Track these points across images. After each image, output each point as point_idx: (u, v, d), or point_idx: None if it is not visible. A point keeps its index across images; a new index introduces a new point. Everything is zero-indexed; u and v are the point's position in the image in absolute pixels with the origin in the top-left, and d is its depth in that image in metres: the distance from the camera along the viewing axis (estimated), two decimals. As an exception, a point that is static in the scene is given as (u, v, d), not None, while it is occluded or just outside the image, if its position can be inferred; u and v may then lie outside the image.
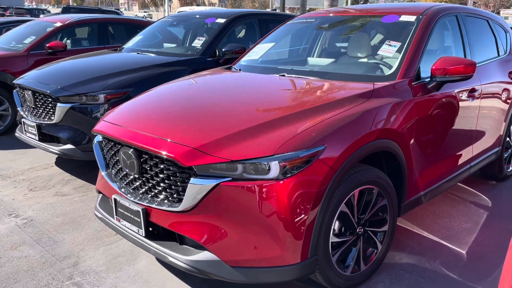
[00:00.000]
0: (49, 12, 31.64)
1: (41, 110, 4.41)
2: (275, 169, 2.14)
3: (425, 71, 3.04)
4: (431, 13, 3.35)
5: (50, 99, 4.28)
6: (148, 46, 5.59)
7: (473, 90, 3.48)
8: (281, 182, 2.16)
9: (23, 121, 4.62)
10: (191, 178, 2.21)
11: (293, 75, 3.24)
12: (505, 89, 4.03)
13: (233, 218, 2.21)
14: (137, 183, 2.51)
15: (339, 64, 3.51)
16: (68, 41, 7.03)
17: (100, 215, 2.85)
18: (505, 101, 4.05)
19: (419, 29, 3.18)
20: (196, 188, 2.19)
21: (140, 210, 2.42)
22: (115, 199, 2.62)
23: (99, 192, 3.00)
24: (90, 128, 4.14)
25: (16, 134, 4.84)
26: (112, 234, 3.31)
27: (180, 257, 2.29)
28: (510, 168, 4.56)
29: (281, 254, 2.22)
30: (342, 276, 2.52)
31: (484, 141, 3.82)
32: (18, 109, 4.78)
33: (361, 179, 2.47)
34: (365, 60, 3.37)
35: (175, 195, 2.33)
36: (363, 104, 2.59)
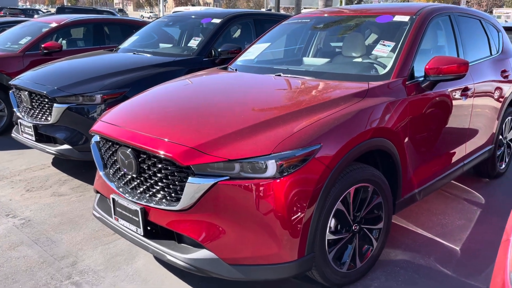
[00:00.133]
0: (43, 12, 31.49)
1: (37, 111, 4.42)
2: (272, 168, 2.18)
3: (419, 71, 3.09)
4: (424, 13, 3.40)
5: (46, 100, 4.29)
6: (144, 47, 5.61)
7: (466, 89, 3.53)
8: (278, 180, 2.19)
9: (20, 122, 4.62)
10: (189, 177, 2.24)
11: (289, 75, 3.27)
12: (498, 88, 4.09)
13: (230, 216, 2.24)
14: (135, 183, 2.54)
15: (334, 64, 3.55)
16: (64, 41, 7.03)
17: (98, 215, 2.87)
18: (497, 100, 4.10)
19: (412, 29, 3.23)
20: (194, 187, 2.22)
21: (138, 209, 2.44)
22: (113, 199, 2.64)
23: (97, 192, 3.02)
24: (87, 129, 4.18)
25: (12, 134, 4.85)
26: (110, 233, 3.33)
27: (179, 256, 2.31)
28: (503, 166, 4.62)
29: (278, 251, 2.25)
30: (338, 273, 2.55)
31: (477, 139, 3.88)
32: (15, 109, 4.78)
33: (356, 177, 2.51)
34: (360, 59, 3.41)
35: (173, 194, 2.36)
36: (358, 103, 2.63)
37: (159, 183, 2.40)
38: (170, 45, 5.79)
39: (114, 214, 2.67)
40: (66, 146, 4.25)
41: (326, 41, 4.02)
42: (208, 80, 3.57)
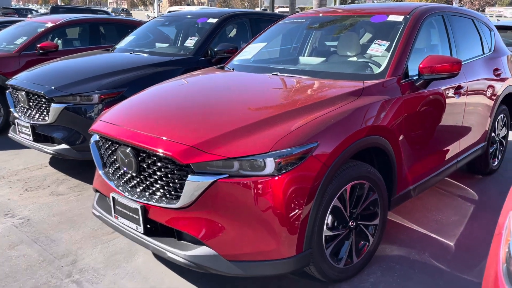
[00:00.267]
0: (37, 12, 31.29)
1: (35, 111, 4.43)
2: (270, 165, 2.22)
3: (413, 69, 3.14)
4: (418, 12, 3.45)
5: (44, 100, 4.31)
6: (141, 46, 5.63)
7: (459, 87, 3.59)
8: (276, 178, 2.24)
9: (17, 122, 4.63)
10: (189, 176, 2.27)
11: (286, 74, 3.32)
12: (490, 86, 4.15)
13: (230, 213, 2.28)
14: (135, 181, 2.57)
15: (330, 63, 3.60)
16: (59, 41, 7.03)
17: (98, 213, 2.91)
18: (490, 98, 4.17)
19: (406, 29, 3.28)
20: (194, 185, 2.26)
21: (138, 207, 2.48)
22: (113, 197, 2.67)
23: (96, 191, 3.05)
24: (84, 128, 4.21)
25: (9, 135, 4.86)
26: (109, 232, 3.36)
27: (179, 253, 2.35)
28: (496, 163, 4.69)
29: (277, 247, 2.29)
30: (335, 268, 2.60)
31: (470, 137, 3.94)
32: (11, 110, 4.79)
33: (353, 174, 2.56)
34: (355, 59, 3.46)
35: (173, 192, 2.39)
36: (354, 102, 2.68)
37: (159, 182, 2.44)
38: (167, 45, 5.82)
39: (114, 213, 2.70)
40: (63, 146, 4.27)
41: (321, 40, 4.07)
42: (205, 79, 3.61)
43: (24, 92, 4.48)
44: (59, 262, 2.96)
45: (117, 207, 2.67)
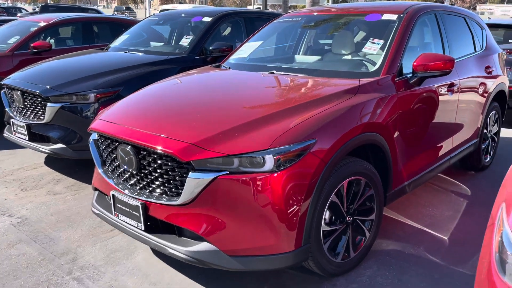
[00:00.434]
0: (26, 11, 31.02)
1: (30, 110, 4.43)
2: (269, 162, 2.26)
3: (407, 67, 3.20)
4: (411, 11, 3.51)
5: (39, 99, 4.31)
6: (135, 45, 5.64)
7: (452, 85, 3.65)
8: (275, 175, 2.28)
9: (12, 122, 4.63)
10: (190, 173, 2.31)
11: (282, 73, 3.36)
12: (482, 83, 4.23)
13: (230, 209, 2.32)
14: (135, 179, 2.60)
15: (326, 62, 3.65)
16: (52, 40, 7.00)
17: (97, 211, 2.93)
18: (482, 95, 4.25)
19: (400, 27, 3.34)
20: (195, 182, 2.30)
21: (139, 204, 2.51)
22: (113, 195, 2.70)
23: (95, 189, 3.07)
24: (80, 127, 4.23)
25: (4, 134, 4.85)
26: (107, 230, 3.38)
27: (180, 249, 2.39)
28: (488, 159, 4.77)
29: (276, 243, 2.34)
30: (333, 263, 2.65)
31: (463, 133, 4.01)
32: (6, 109, 4.78)
33: (349, 170, 2.61)
34: (350, 57, 3.51)
35: (173, 189, 2.43)
36: (351, 99, 2.73)
37: (160, 179, 2.47)
38: (161, 44, 5.83)
39: (114, 210, 2.72)
40: (60, 145, 4.27)
41: (317, 39, 4.12)
42: (203, 78, 3.64)
43: (19, 91, 4.47)
44: (59, 260, 2.98)
45: (117, 204, 2.69)
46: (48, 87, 4.27)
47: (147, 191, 2.55)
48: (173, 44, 5.69)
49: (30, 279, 2.76)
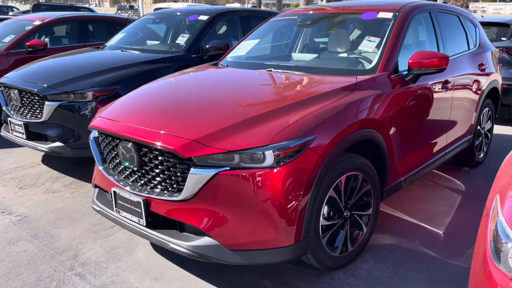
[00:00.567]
0: (18, 9, 30.76)
1: (28, 109, 4.44)
2: (270, 158, 2.30)
3: (403, 65, 3.26)
4: (406, 10, 3.57)
5: (37, 98, 4.32)
6: (131, 44, 5.66)
7: (446, 82, 3.72)
8: (275, 170, 2.32)
9: (9, 120, 4.63)
10: (191, 169, 2.35)
11: (280, 70, 3.40)
12: (476, 81, 4.30)
13: (231, 204, 2.36)
14: (136, 175, 2.63)
15: (323, 59, 3.69)
16: (47, 39, 6.99)
17: (98, 208, 2.96)
18: (475, 92, 4.32)
19: (396, 25, 3.39)
20: (196, 178, 2.34)
21: (141, 200, 2.54)
22: (114, 192, 2.73)
23: (96, 187, 3.10)
24: (78, 126, 4.25)
25: (1, 133, 4.85)
26: (107, 227, 3.41)
27: (182, 243, 2.43)
28: (481, 155, 4.85)
29: (277, 237, 2.38)
30: (332, 257, 2.70)
31: (457, 130, 4.08)
32: (3, 108, 4.79)
33: (347, 166, 2.66)
34: (347, 55, 3.56)
35: (174, 185, 2.46)
36: (348, 96, 2.78)
37: (161, 175, 2.50)
38: (158, 42, 5.85)
39: (116, 207, 2.76)
40: (58, 144, 4.29)
41: (314, 37, 4.16)
42: (201, 76, 3.67)
43: (16, 90, 4.48)
44: (60, 256, 3.01)
45: (118, 201, 2.73)
46: (46, 85, 4.28)
47: (149, 187, 2.58)
48: (169, 42, 5.71)
49: (33, 275, 2.79)
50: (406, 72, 3.24)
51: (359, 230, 2.91)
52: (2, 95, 4.80)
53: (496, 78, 4.79)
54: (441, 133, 3.82)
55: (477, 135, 4.62)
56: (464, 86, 4.10)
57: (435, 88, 3.56)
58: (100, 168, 2.91)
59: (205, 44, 5.17)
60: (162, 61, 4.89)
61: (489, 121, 4.92)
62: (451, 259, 2.97)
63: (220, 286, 2.68)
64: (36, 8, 20.06)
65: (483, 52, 4.65)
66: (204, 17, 5.48)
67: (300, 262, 2.76)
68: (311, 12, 4.24)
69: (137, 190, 2.61)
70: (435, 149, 3.77)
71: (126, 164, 2.64)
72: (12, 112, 4.64)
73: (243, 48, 4.12)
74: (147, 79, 4.02)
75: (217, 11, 5.64)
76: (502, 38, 6.93)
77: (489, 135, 5.02)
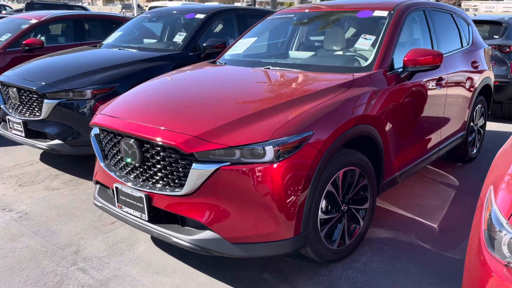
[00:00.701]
0: (11, 8, 30.54)
1: (26, 107, 4.47)
2: (270, 153, 2.36)
3: (398, 62, 3.33)
4: (401, 8, 3.64)
5: (36, 96, 4.35)
6: (129, 42, 5.69)
7: (440, 79, 3.79)
8: (275, 165, 2.38)
9: (8, 119, 4.65)
10: (193, 164, 2.40)
11: (278, 68, 3.46)
12: (469, 78, 4.38)
13: (232, 199, 2.42)
14: (139, 171, 2.68)
15: (320, 57, 3.76)
16: (42, 38, 7.00)
17: (100, 204, 3.00)
18: (468, 89, 4.40)
19: (391, 23, 3.46)
20: (198, 173, 2.39)
21: (143, 196, 2.59)
22: (116, 188, 2.77)
23: (97, 183, 3.14)
24: (77, 123, 4.29)
25: (-1, 131, 4.87)
26: (108, 223, 3.46)
27: (184, 237, 2.48)
28: (474, 151, 4.94)
29: (277, 230, 2.44)
30: (330, 250, 2.77)
31: (451, 126, 4.16)
32: (1, 106, 4.80)
33: (345, 161, 2.73)
34: (344, 52, 3.63)
35: (176, 180, 2.52)
36: (345, 93, 2.85)
37: (163, 171, 2.55)
38: (155, 41, 5.89)
39: (118, 202, 2.80)
40: (57, 141, 4.32)
41: (311, 35, 4.23)
42: (200, 73, 3.72)
43: (15, 88, 4.50)
44: (63, 252, 3.05)
45: (120, 196, 2.77)
46: (45, 83, 4.31)
47: (150, 182, 2.63)
48: (166, 41, 5.75)
49: (36, 270, 2.83)
50: (401, 70, 3.31)
51: (356, 224, 2.98)
52: (1, 94, 4.82)
53: (488, 75, 4.88)
54: (435, 129, 3.89)
55: (470, 132, 4.71)
56: (458, 83, 4.18)
57: (429, 85, 3.64)
58: (102, 164, 2.95)
59: (202, 42, 5.21)
60: (160, 59, 4.93)
61: (482, 118, 5.01)
62: (446, 252, 3.04)
63: (220, 279, 2.74)
64: (30, 6, 19.93)
65: (476, 49, 4.74)
66: (201, 16, 5.52)
67: (299, 255, 2.82)
68: (307, 10, 4.30)
69: (139, 185, 2.66)
70: (430, 145, 3.85)
71: (128, 160, 2.69)
72: (10, 110, 4.66)
73: (241, 46, 4.17)
74: (145, 77, 4.07)
75: (213, 9, 5.68)
76: (495, 36, 7.04)
77: (482, 132, 5.11)
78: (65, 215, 3.62)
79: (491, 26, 7.27)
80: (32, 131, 4.48)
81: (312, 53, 3.87)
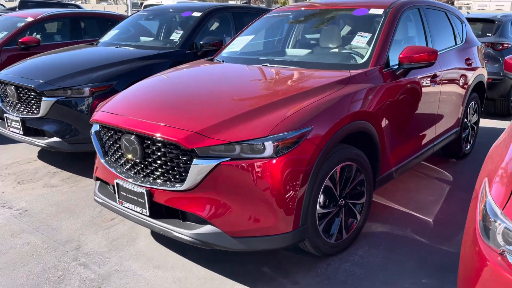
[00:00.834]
0: (4, 6, 30.33)
1: (25, 105, 4.48)
2: (269, 148, 2.41)
3: (393, 60, 3.38)
4: (396, 6, 3.69)
5: (34, 94, 4.36)
6: (125, 40, 5.71)
7: (435, 76, 3.85)
8: (274, 161, 2.43)
9: (6, 116, 4.66)
10: (194, 159, 2.44)
11: (276, 65, 3.51)
12: (462, 75, 4.45)
13: (232, 194, 2.47)
14: (139, 167, 2.72)
15: (317, 54, 3.81)
16: (38, 36, 7.00)
17: (100, 200, 3.03)
18: (462, 86, 4.47)
19: (387, 21, 3.52)
20: (198, 168, 2.43)
21: (144, 191, 2.63)
22: (117, 183, 2.81)
23: (97, 179, 3.17)
24: (75, 121, 4.31)
25: (-3, 129, 4.88)
26: (108, 219, 3.49)
27: (185, 232, 2.52)
28: (468, 147, 5.01)
29: (276, 224, 2.49)
30: (327, 243, 2.82)
31: (445, 122, 4.23)
32: (-1, 104, 4.81)
33: (342, 156, 2.78)
34: (340, 50, 3.68)
35: (177, 176, 2.56)
36: (342, 89, 2.90)
37: (164, 166, 2.59)
38: (151, 39, 5.91)
39: (119, 198, 2.84)
40: (55, 139, 4.34)
41: (308, 33, 4.27)
42: (199, 70, 3.76)
43: (13, 86, 4.52)
44: (64, 247, 3.08)
45: (121, 192, 2.81)
46: (43, 81, 4.33)
47: (151, 178, 2.67)
48: (163, 39, 5.77)
49: (38, 265, 2.86)
50: (397, 67, 3.36)
51: (353, 218, 3.04)
52: (-2, 92, 4.82)
53: (482, 72, 4.96)
54: (430, 125, 3.96)
55: (464, 128, 4.78)
56: (452, 80, 4.24)
57: (424, 82, 3.70)
58: (102, 161, 2.98)
59: (199, 40, 5.25)
60: (157, 57, 4.95)
61: (475, 114, 5.08)
62: (441, 245, 3.11)
63: (220, 273, 2.78)
64: (23, 5, 19.79)
65: (469, 47, 4.81)
66: (197, 14, 5.55)
67: (297, 249, 2.87)
68: (303, 8, 4.34)
69: (140, 181, 2.70)
70: (424, 140, 3.91)
71: (129, 156, 2.72)
72: (8, 108, 4.68)
73: (238, 44, 4.21)
74: (142, 75, 4.10)
75: (210, 8, 5.72)
76: (488, 34, 7.12)
77: (475, 128, 5.18)
78: (65, 211, 3.65)
79: (484, 24, 7.35)
80: (30, 129, 4.49)
81: (309, 50, 3.92)
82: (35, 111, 4.39)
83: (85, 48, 5.55)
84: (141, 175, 2.72)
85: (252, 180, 2.43)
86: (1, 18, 7.31)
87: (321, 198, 2.71)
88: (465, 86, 4.54)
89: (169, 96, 3.13)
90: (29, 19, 6.77)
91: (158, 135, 2.52)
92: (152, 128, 2.58)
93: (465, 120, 4.79)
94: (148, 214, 2.67)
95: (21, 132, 4.51)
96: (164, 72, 3.79)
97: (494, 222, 1.52)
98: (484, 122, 6.46)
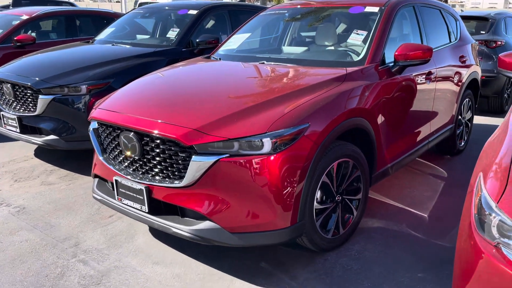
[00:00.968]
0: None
1: (21, 103, 4.48)
2: (267, 145, 2.44)
3: (389, 57, 3.42)
4: (392, 4, 3.73)
5: (30, 92, 4.36)
6: (121, 38, 5.71)
7: (429, 73, 3.90)
8: (272, 157, 2.46)
9: (2, 114, 4.66)
10: (193, 156, 2.46)
11: (273, 63, 3.53)
12: (457, 72, 4.50)
13: (231, 190, 2.49)
14: (138, 164, 2.74)
15: (313, 52, 3.84)
16: (33, 34, 6.97)
17: (99, 197, 3.05)
18: (456, 83, 4.51)
19: (382, 19, 3.55)
20: (197, 165, 2.46)
21: (143, 188, 2.65)
22: (116, 180, 2.83)
23: (95, 177, 3.19)
24: (72, 119, 4.32)
25: (-6, 127, 4.87)
26: (106, 216, 3.51)
27: (184, 228, 2.55)
28: (462, 143, 5.07)
29: (274, 219, 2.52)
30: (325, 239, 2.86)
31: (440, 119, 4.27)
32: (-5, 102, 4.80)
33: (339, 153, 2.81)
34: (336, 47, 3.71)
35: (176, 173, 2.58)
36: (339, 86, 2.93)
37: (163, 163, 2.61)
38: (147, 36, 5.92)
39: (118, 195, 2.86)
40: (52, 137, 4.35)
41: (304, 31, 4.30)
42: (196, 68, 3.78)
43: (9, 84, 4.51)
44: (62, 244, 3.10)
45: (120, 189, 2.83)
46: (39, 79, 4.33)
47: (150, 175, 2.69)
48: (159, 36, 5.78)
49: (37, 262, 2.88)
50: (392, 64, 3.40)
51: (350, 214, 3.07)
52: (-6, 90, 4.81)
53: (476, 70, 5.01)
54: (425, 122, 4.00)
55: (458, 125, 4.83)
56: (446, 78, 4.29)
57: (419, 79, 3.74)
58: (101, 158, 3.00)
59: (195, 38, 5.26)
60: (154, 55, 4.96)
61: (469, 111, 5.14)
62: (436, 240, 3.15)
63: (219, 268, 2.81)
64: (17, 2, 19.65)
65: (463, 44, 4.85)
66: (193, 12, 5.57)
67: (295, 244, 2.91)
68: (299, 6, 4.37)
69: (139, 178, 2.72)
70: (419, 137, 3.96)
71: (128, 153, 2.74)
72: (4, 106, 4.67)
73: (235, 41, 4.23)
74: (139, 73, 4.11)
75: (206, 5, 5.73)
76: (481, 32, 7.18)
77: (470, 125, 5.24)
78: (63, 209, 3.66)
79: (478, 21, 7.41)
80: (27, 127, 4.50)
81: (305, 48, 3.95)
82: (32, 109, 4.39)
83: (81, 46, 5.54)
84: (140, 172, 2.74)
85: (251, 176, 2.46)
86: (-4, 16, 7.28)
87: (318, 194, 2.74)
88: (459, 84, 4.59)
89: (167, 94, 3.15)
90: (24, 17, 6.75)
91: (157, 132, 2.54)
92: (151, 125, 2.60)
93: (459, 117, 4.84)
94: (147, 211, 2.69)
95: (18, 130, 4.51)
96: (162, 69, 3.80)
97: (489, 215, 1.55)
98: (478, 119, 6.53)
